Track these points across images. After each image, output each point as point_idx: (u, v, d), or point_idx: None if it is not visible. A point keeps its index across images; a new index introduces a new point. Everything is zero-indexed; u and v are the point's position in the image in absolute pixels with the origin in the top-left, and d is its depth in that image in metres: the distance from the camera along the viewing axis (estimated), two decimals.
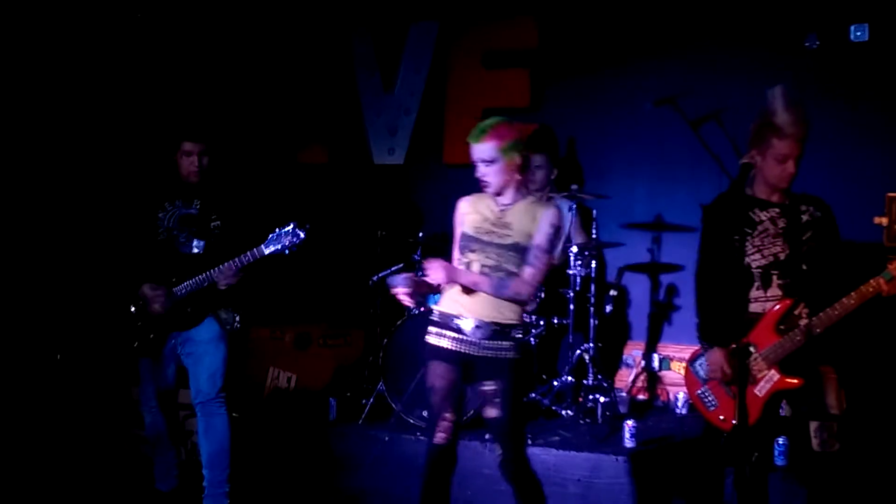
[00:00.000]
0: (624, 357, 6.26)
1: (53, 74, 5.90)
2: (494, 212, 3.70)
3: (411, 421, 5.10)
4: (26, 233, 5.72)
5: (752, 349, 3.69)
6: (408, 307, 3.79)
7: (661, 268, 6.24)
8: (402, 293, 3.60)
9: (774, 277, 3.69)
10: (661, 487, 4.61)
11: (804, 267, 3.69)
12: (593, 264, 5.58)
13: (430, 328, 3.75)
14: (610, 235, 6.01)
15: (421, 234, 5.78)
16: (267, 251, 4.30)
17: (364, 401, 5.50)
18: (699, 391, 3.92)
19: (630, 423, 4.90)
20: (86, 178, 5.97)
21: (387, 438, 5.04)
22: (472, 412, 4.56)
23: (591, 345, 5.51)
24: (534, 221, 3.63)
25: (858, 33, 5.51)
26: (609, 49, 6.31)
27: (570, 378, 5.48)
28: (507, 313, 3.64)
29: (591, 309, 5.53)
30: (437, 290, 3.74)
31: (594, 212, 5.64)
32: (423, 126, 6.90)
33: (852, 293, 3.57)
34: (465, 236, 3.72)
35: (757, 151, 3.67)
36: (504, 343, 3.63)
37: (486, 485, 4.62)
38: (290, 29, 6.96)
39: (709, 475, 4.33)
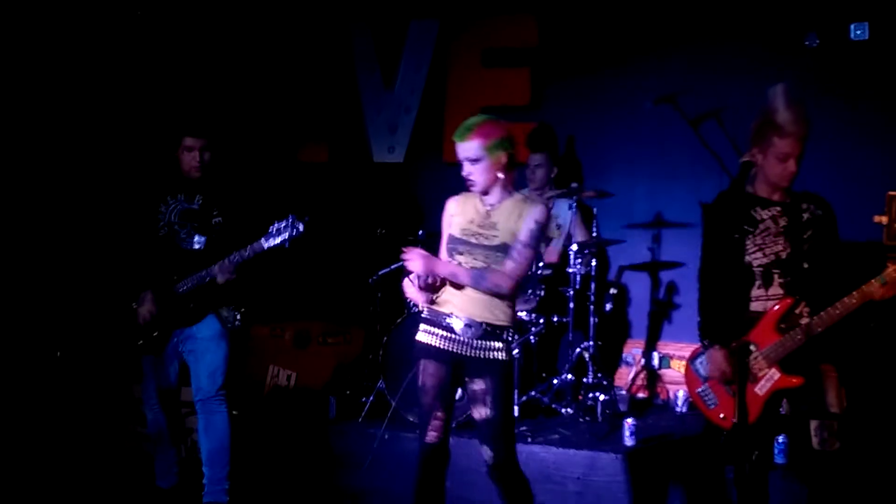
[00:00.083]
0: (624, 355, 6.27)
1: (55, 71, 5.90)
2: (481, 212, 3.66)
3: (410, 418, 5.09)
4: (27, 229, 5.73)
5: (752, 348, 3.69)
6: (410, 305, 3.78)
7: (661, 266, 6.25)
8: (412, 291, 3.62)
9: (776, 276, 3.68)
10: (660, 485, 4.61)
11: (805, 266, 3.68)
12: (593, 262, 5.58)
13: (422, 326, 3.72)
14: (610, 233, 6.02)
15: (421, 232, 5.77)
16: (267, 245, 4.28)
17: (364, 399, 5.50)
18: (699, 389, 3.91)
19: (630, 421, 4.89)
20: (87, 175, 5.98)
21: (386, 436, 5.03)
22: (466, 415, 4.54)
23: (591, 343, 5.52)
24: (520, 219, 3.58)
25: (858, 32, 5.51)
26: (609, 47, 6.31)
27: (569, 376, 5.47)
28: (498, 315, 3.60)
29: (591, 307, 5.54)
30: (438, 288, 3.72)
31: (594, 210, 5.65)
32: (423, 124, 6.90)
33: (854, 293, 3.56)
34: (452, 238, 3.69)
35: (758, 150, 3.66)
36: (495, 344, 3.60)
37: (484, 480, 4.60)
38: (290, 26, 6.96)
39: (709, 473, 4.34)
